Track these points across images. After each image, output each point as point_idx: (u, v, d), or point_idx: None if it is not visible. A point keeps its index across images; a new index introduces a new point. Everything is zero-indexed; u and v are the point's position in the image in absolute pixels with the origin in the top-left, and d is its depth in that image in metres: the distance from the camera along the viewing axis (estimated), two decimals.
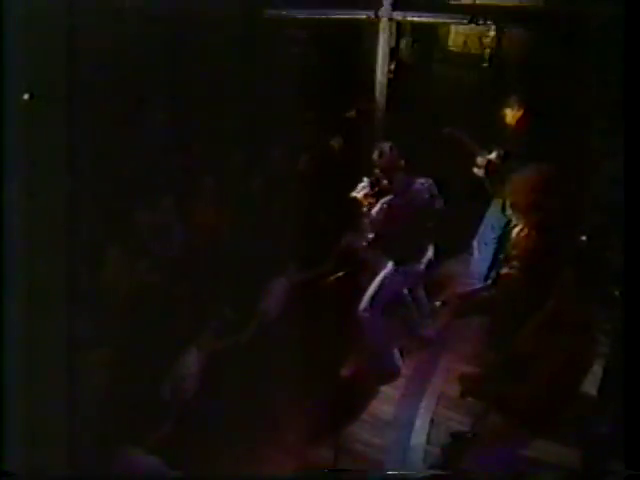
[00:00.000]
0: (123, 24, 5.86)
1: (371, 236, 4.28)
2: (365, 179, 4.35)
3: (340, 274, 3.58)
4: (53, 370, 3.34)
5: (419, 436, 4.10)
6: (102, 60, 5.05)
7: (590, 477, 2.99)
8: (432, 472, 3.74)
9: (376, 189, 4.31)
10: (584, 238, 3.98)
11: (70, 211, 4.17)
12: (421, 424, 4.17)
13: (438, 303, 3.75)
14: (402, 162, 4.35)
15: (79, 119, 4.11)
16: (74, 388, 3.41)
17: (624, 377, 2.64)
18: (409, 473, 3.78)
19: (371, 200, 4.28)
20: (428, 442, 3.99)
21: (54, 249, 3.70)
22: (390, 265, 4.42)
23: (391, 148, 4.36)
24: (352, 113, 6.40)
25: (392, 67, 5.94)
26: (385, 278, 4.40)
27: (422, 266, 4.42)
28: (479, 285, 4.00)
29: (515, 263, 3.42)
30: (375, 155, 4.35)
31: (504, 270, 3.48)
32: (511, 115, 5.00)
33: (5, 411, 2.57)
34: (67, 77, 4.09)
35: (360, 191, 4.31)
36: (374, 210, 4.22)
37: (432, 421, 4.19)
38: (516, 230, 3.60)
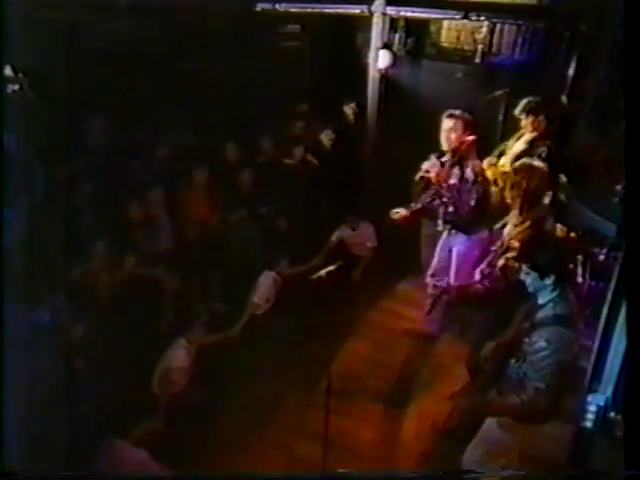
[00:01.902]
0: (116, 19, 5.82)
1: (472, 202, 4.20)
2: (432, 156, 4.27)
3: (331, 268, 3.56)
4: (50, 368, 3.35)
5: (409, 432, 4.11)
6: (94, 56, 5.02)
7: (590, 477, 3.00)
8: (432, 472, 3.74)
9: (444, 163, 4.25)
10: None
11: (60, 204, 4.16)
12: (412, 419, 4.18)
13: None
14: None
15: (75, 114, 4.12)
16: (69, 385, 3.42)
17: (624, 377, 2.65)
18: (409, 473, 3.77)
19: (441, 175, 4.21)
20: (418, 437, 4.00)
21: (45, 241, 3.69)
22: (462, 236, 4.37)
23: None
24: (353, 107, 6.37)
25: (385, 62, 5.93)
26: (461, 251, 4.36)
27: (486, 232, 4.37)
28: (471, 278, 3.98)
29: (511, 254, 3.43)
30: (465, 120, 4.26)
31: (501, 261, 3.49)
32: (527, 122, 4.88)
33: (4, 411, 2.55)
34: (65, 74, 4.10)
35: (432, 168, 4.22)
36: (469, 173, 4.19)
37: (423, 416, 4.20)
38: (512, 222, 3.62)
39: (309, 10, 6.10)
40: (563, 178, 4.60)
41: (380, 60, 5.90)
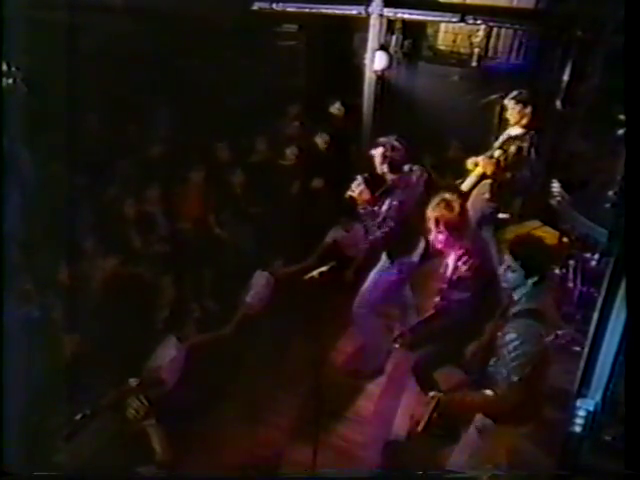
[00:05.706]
0: (112, 20, 5.81)
1: (379, 233, 4.20)
2: (359, 177, 4.22)
3: (324, 269, 3.55)
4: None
5: (399, 433, 4.10)
6: (91, 55, 5.02)
7: (590, 477, 3.00)
8: (431, 472, 3.74)
9: (370, 186, 4.18)
10: None
11: (57, 201, 4.16)
12: (401, 421, 4.18)
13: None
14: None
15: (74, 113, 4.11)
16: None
17: (624, 378, 2.66)
18: (408, 473, 3.77)
19: (366, 197, 4.18)
20: (408, 439, 4.00)
21: (36, 238, 3.68)
22: (384, 257, 4.40)
23: (401, 142, 4.22)
24: (338, 107, 6.36)
25: (381, 64, 5.94)
26: (380, 272, 4.38)
27: (415, 259, 4.40)
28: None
29: (463, 287, 3.47)
30: (386, 151, 4.15)
31: (456, 296, 3.51)
32: (513, 111, 4.78)
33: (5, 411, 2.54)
34: (60, 72, 4.10)
35: (356, 189, 4.21)
36: (384, 208, 4.13)
37: (412, 417, 4.19)
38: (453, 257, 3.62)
39: (306, 10, 6.11)
40: (556, 183, 4.62)
41: (377, 62, 5.91)
